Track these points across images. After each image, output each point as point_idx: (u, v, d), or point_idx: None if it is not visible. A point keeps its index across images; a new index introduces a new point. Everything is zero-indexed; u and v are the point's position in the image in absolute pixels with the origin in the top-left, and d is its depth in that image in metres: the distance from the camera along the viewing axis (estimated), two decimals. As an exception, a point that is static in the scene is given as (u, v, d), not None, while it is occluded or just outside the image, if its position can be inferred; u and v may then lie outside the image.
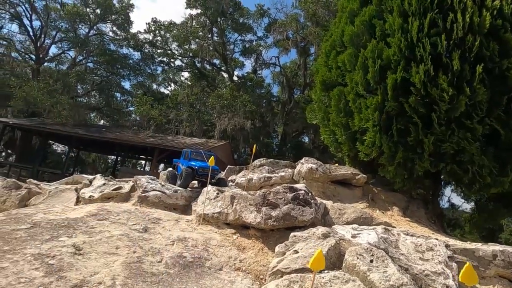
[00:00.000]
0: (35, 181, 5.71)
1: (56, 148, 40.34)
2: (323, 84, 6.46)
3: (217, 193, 4.58)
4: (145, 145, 24.68)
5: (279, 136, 36.22)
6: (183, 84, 41.89)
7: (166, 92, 43.56)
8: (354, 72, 5.66)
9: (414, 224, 5.27)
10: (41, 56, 24.93)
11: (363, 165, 7.35)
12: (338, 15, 6.79)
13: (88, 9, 27.23)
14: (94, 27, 29.01)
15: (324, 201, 4.80)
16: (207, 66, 39.50)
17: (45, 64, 27.01)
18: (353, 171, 5.97)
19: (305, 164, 5.89)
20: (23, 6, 23.75)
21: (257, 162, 6.34)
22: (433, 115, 4.91)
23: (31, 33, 24.56)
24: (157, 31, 33.37)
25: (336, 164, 6.97)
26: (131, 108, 36.10)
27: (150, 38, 33.59)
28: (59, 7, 25.39)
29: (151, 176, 5.06)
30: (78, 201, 4.94)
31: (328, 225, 4.15)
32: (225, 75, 39.28)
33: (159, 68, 38.38)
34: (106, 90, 31.04)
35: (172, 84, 45.07)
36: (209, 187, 4.74)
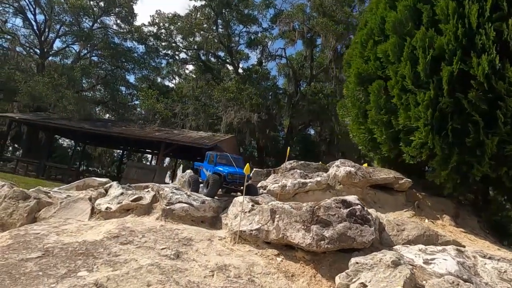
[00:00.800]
0: (44, 189, 5.15)
1: (62, 142, 40.04)
2: (359, 77, 5.81)
3: (252, 205, 3.99)
4: (151, 139, 24.20)
5: (285, 129, 35.60)
6: (188, 77, 41.26)
7: (171, 85, 42.96)
8: (399, 64, 5.01)
9: (471, 236, 4.67)
10: (45, 50, 24.37)
11: (397, 167, 6.74)
12: (374, 1, 6.11)
13: (91, 2, 26.49)
14: (98, 20, 28.35)
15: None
16: (212, 59, 38.78)
17: (50, 58, 26.44)
18: (395, 174, 5.36)
19: (342, 168, 5.28)
20: (26, 0, 23.12)
21: (287, 164, 5.74)
22: (498, 113, 4.26)
23: (35, 27, 23.94)
24: (161, 24, 32.67)
25: (366, 165, 6.33)
26: (136, 102, 35.61)
27: (154, 30, 32.87)
28: (62, 0, 24.71)
29: (174, 185, 4.49)
30: (93, 213, 4.38)
31: (387, 245, 3.56)
32: (230, 67, 38.60)
33: (164, 61, 37.64)
34: (111, 84, 30.52)
35: (177, 77, 44.42)
36: (241, 198, 4.16)
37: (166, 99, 32.14)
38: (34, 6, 23.41)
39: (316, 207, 3.45)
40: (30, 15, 23.38)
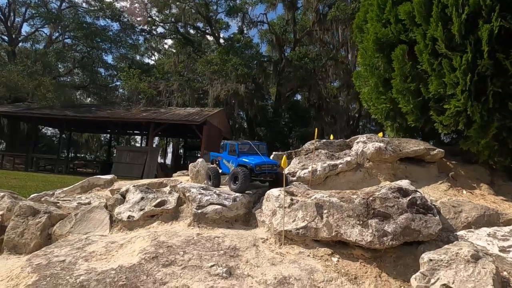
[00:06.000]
0: (51, 199, 4.68)
1: (46, 131, 38.69)
2: (377, 43, 5.34)
3: (291, 199, 3.64)
4: (139, 120, 23.52)
5: (273, 97, 35.04)
6: (167, 53, 39.77)
7: (151, 62, 41.47)
8: (428, 25, 4.55)
9: (513, 204, 4.46)
10: (14, 36, 22.75)
11: (413, 134, 6.49)
12: (387, -45, 5.52)
13: (55, -21, 24.72)
14: (66, 0, 26.51)
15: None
16: (191, 31, 37.30)
17: (20, 44, 24.85)
18: (426, 145, 5.05)
19: (370, 144, 4.94)
20: (-17, -18, 21.32)
21: (309, 145, 5.36)
22: (545, 73, 3.92)
23: (-1, 13, 22.30)
24: (134, -3, 30.80)
25: (381, 134, 5.98)
26: (118, 83, 34.34)
27: (127, 6, 31.05)
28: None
29: (200, 185, 4.07)
30: (112, 223, 3.97)
31: (447, 231, 3.29)
32: (211, 38, 37.27)
33: (141, 38, 35.99)
34: (89, 66, 29.18)
35: (156, 53, 42.79)
36: (276, 191, 3.79)
37: (148, 77, 31.00)
38: (-6, -11, 21.69)
39: (370, 199, 3.11)
40: (-10, 0, 21.71)
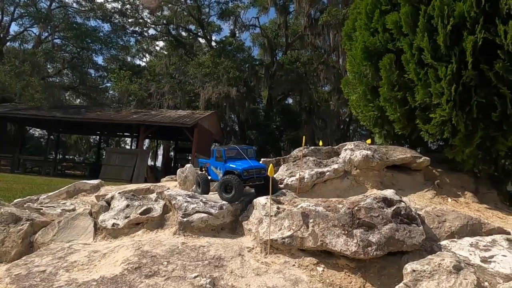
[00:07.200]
0: (34, 206, 4.59)
1: (34, 132, 38.10)
2: (365, 51, 5.39)
3: (277, 207, 3.64)
4: (129, 122, 23.32)
5: (265, 100, 35.08)
6: (159, 54, 39.56)
7: (142, 64, 41.21)
8: (414, 35, 4.62)
9: (497, 212, 4.52)
10: (1, 35, 22.38)
11: (401, 141, 6.56)
12: (376, -35, 5.59)
13: (46, -22, 24.43)
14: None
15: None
16: (183, 33, 37.21)
17: (8, 44, 24.43)
18: (412, 153, 5.11)
19: (357, 151, 4.97)
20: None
21: (297, 152, 5.37)
22: (527, 84, 4.01)
23: (-14, 12, 21.93)
24: (125, -1, 30.61)
25: (369, 141, 6.02)
26: (108, 84, 34.02)
27: (119, 7, 30.88)
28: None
29: (187, 192, 4.04)
30: (96, 230, 3.91)
31: (431, 240, 3.32)
32: (203, 41, 37.22)
33: (132, 39, 35.74)
34: (79, 67, 28.83)
35: (148, 55, 42.54)
36: (263, 199, 3.79)
37: (139, 79, 30.80)
38: (-19, -12, 21.36)
39: (356, 208, 3.13)
40: (-23, -2, 21.34)
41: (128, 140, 37.57)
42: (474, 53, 4.16)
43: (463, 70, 4.22)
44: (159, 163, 38.17)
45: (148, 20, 34.08)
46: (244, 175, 4.06)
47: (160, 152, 39.78)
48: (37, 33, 26.15)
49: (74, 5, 27.26)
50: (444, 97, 4.30)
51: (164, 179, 7.13)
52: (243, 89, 30.61)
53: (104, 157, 23.91)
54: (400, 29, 4.82)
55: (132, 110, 25.76)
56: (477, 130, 4.35)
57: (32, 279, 2.71)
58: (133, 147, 31.16)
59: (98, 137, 34.09)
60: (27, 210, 4.38)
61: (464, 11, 4.21)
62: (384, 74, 5.07)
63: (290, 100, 37.72)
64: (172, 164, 30.33)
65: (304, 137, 4.78)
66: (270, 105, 32.72)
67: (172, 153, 35.88)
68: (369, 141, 5.82)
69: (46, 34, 26.52)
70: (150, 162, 32.02)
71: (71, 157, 42.54)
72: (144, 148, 27.49)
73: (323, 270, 3.05)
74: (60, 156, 36.73)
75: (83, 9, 27.35)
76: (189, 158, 25.46)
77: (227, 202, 3.92)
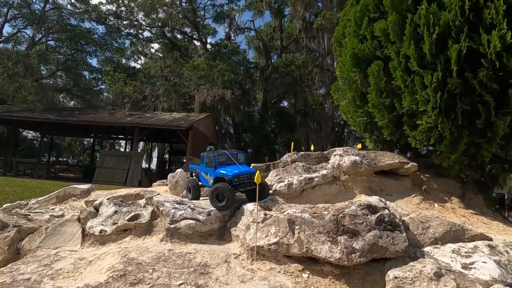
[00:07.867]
0: (22, 211, 4.58)
1: (27, 134, 37.80)
2: (355, 58, 5.45)
3: (265, 214, 3.67)
4: (123, 125, 23.23)
5: (260, 103, 35.12)
6: (154, 57, 39.48)
7: (137, 66, 41.08)
8: (401, 43, 4.69)
9: (482, 217, 4.60)
10: (-6, 37, 22.28)
11: (392, 147, 6.63)
12: (366, -28, 5.66)
13: (40, -20, 24.33)
14: (50, 1, 26.08)
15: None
16: (178, 36, 37.20)
17: (1, 45, 24.26)
18: (400, 159, 5.17)
19: (346, 157, 5.02)
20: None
21: (287, 157, 5.41)
22: (510, 92, 4.08)
23: (-22, 13, 21.81)
24: (120, 1, 30.58)
25: (359, 146, 6.08)
26: (102, 87, 33.89)
27: (114, 9, 30.81)
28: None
29: (175, 198, 4.06)
30: (84, 237, 3.92)
31: (414, 246, 3.36)
32: (198, 43, 37.23)
33: (127, 41, 35.62)
34: (73, 69, 28.68)
35: (143, 57, 42.40)
36: (251, 206, 3.82)
37: (133, 81, 30.70)
38: (-26, -11, 21.24)
39: (340, 215, 3.17)
40: (-29, -1, 21.19)
41: (123, 142, 37.39)
42: (459, 61, 4.24)
43: (448, 78, 4.30)
44: (153, 165, 38.05)
45: (143, 23, 34.06)
46: (235, 181, 4.06)
47: (155, 154, 39.69)
48: (30, 35, 26.03)
49: (69, 6, 27.18)
50: (430, 104, 4.37)
51: (156, 183, 7.13)
52: (238, 91, 30.66)
53: (98, 159, 23.80)
54: (388, 37, 4.89)
55: (126, 112, 25.69)
56: (462, 136, 4.42)
57: (15, 285, 2.71)
58: (127, 150, 31.03)
59: (92, 139, 33.91)
60: (14, 216, 4.37)
61: (449, 20, 4.29)
62: (373, 81, 5.13)
63: (285, 103, 37.86)
64: (167, 167, 30.26)
65: (293, 143, 4.82)
66: (265, 107, 32.79)
67: (166, 156, 35.80)
68: (359, 145, 5.88)
69: (40, 35, 26.40)
70: (144, 165, 31.93)
71: (64, 159, 42.27)
72: (138, 150, 27.38)
73: (308, 277, 3.09)
74: (54, 158, 36.47)
75: (77, 11, 27.26)
76: (184, 160, 25.42)
77: (215, 208, 3.94)
